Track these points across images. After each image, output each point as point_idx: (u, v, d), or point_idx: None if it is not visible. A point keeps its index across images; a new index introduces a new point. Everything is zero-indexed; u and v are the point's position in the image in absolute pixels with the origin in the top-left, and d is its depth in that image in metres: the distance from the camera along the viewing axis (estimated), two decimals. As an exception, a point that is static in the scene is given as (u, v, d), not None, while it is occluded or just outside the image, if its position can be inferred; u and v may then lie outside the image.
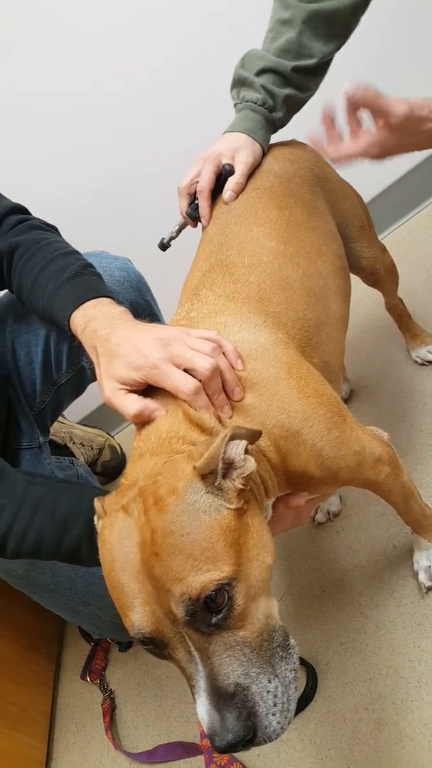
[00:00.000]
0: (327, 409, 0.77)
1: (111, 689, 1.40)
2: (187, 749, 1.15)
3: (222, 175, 1.03)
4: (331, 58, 1.05)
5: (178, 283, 0.99)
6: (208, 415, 0.70)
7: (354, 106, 0.83)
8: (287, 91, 1.04)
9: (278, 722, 0.57)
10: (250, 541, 0.61)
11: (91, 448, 1.83)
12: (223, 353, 0.75)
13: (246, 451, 0.64)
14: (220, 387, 0.73)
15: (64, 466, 1.57)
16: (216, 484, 0.62)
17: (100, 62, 1.59)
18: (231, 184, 1.01)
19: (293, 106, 1.07)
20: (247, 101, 1.05)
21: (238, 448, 0.64)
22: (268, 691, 0.58)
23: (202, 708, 0.57)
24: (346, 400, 1.47)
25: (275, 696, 0.58)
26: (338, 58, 1.08)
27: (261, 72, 1.03)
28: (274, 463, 0.74)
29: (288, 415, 0.74)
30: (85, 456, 1.79)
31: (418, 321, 1.43)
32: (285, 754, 1.04)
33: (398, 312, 1.40)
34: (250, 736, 0.56)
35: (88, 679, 1.42)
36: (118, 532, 0.62)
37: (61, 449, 1.73)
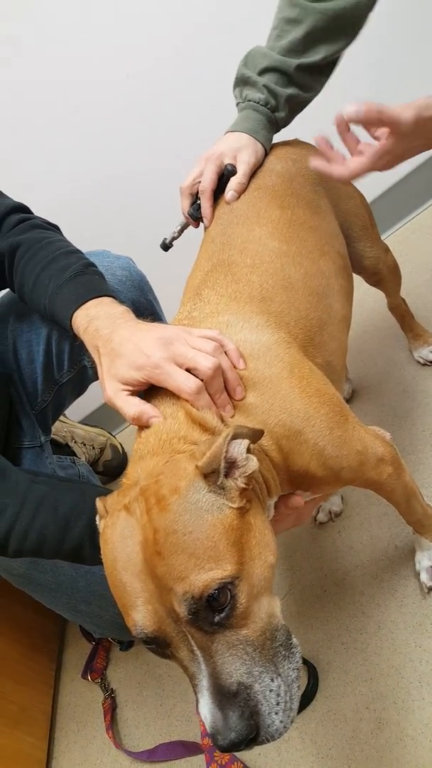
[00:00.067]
0: (329, 408, 0.77)
1: (112, 688, 1.40)
2: (188, 748, 1.15)
3: (224, 176, 1.03)
4: (338, 58, 1.04)
5: (180, 283, 0.99)
6: (210, 414, 0.70)
7: (346, 126, 0.84)
8: (290, 90, 1.03)
9: (281, 721, 0.57)
10: (253, 540, 0.61)
11: (93, 448, 1.84)
12: (225, 352, 0.75)
13: (248, 450, 0.64)
14: (222, 386, 0.73)
15: (66, 466, 1.57)
16: (218, 483, 0.62)
17: (101, 62, 1.59)
18: (233, 184, 1.01)
19: (296, 106, 1.07)
20: (249, 101, 1.05)
21: (240, 447, 0.64)
22: (270, 690, 0.58)
23: (205, 707, 0.57)
24: (348, 400, 1.47)
25: (278, 695, 0.58)
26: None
27: (264, 71, 1.03)
28: (276, 463, 0.74)
29: (290, 415, 0.74)
30: (87, 455, 1.80)
31: (420, 321, 1.43)
32: (286, 754, 1.04)
33: (401, 312, 1.40)
34: (253, 734, 0.56)
35: (89, 678, 1.43)
36: (120, 531, 0.62)
37: (62, 448, 1.73)
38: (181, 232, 1.13)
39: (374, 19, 1.05)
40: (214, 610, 0.57)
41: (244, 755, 1.07)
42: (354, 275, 1.14)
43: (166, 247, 1.14)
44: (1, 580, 1.19)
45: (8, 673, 1.37)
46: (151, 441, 0.71)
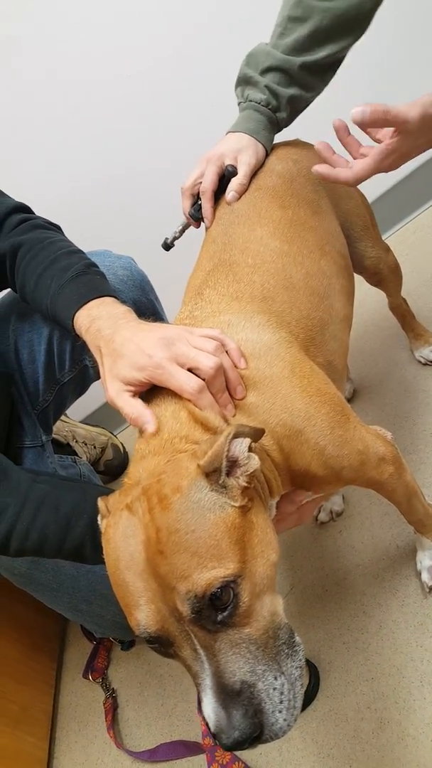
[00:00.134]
0: (330, 408, 0.77)
1: (113, 688, 1.40)
2: (189, 748, 1.15)
3: (225, 176, 1.03)
4: (342, 57, 1.04)
5: (181, 282, 0.99)
6: (213, 414, 0.70)
7: (347, 131, 0.84)
8: (292, 91, 1.03)
9: (285, 719, 0.57)
10: (255, 539, 0.62)
11: (94, 447, 1.84)
12: (226, 352, 0.75)
13: (250, 449, 0.64)
14: (223, 386, 0.73)
15: (67, 465, 1.58)
16: (220, 481, 0.62)
17: (101, 62, 1.59)
18: (234, 185, 1.01)
19: (298, 106, 1.06)
20: (250, 101, 1.04)
21: (241, 445, 0.64)
22: (274, 688, 0.58)
23: (209, 706, 0.57)
24: (349, 400, 1.47)
25: (281, 693, 0.58)
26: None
27: (267, 70, 1.02)
28: (278, 463, 0.74)
29: (291, 414, 0.74)
30: (88, 455, 1.80)
31: (421, 321, 1.43)
32: (287, 753, 1.04)
33: (402, 312, 1.40)
34: (257, 733, 0.56)
35: (90, 677, 1.43)
36: (122, 530, 0.62)
37: (63, 448, 1.73)
38: (182, 232, 1.13)
39: (374, 19, 1.05)
40: (217, 608, 0.57)
41: (245, 755, 1.07)
42: (355, 275, 1.14)
43: (167, 247, 1.15)
44: (3, 580, 1.19)
45: (9, 672, 1.37)
46: (152, 440, 0.71)
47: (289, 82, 1.03)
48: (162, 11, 1.55)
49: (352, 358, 1.49)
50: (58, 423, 1.71)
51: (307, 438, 0.75)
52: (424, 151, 0.86)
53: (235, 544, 0.59)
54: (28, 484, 0.90)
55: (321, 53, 1.00)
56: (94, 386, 1.28)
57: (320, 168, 0.88)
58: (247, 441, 0.64)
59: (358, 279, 1.16)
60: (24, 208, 1.06)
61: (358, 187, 1.16)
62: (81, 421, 1.93)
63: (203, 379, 0.71)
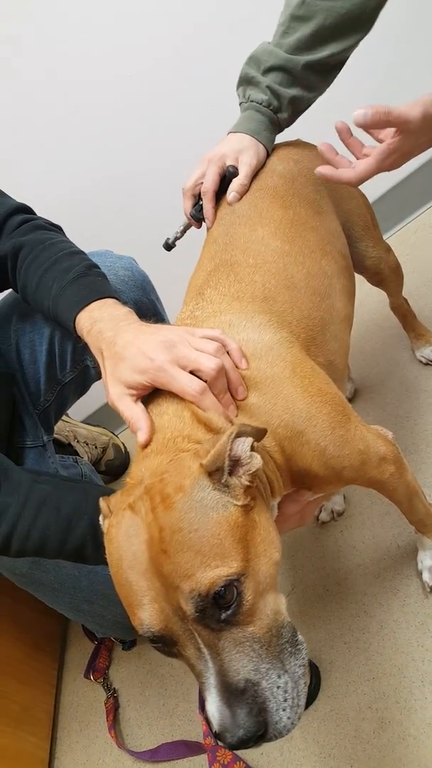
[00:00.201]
0: (331, 408, 0.77)
1: (114, 688, 1.40)
2: (190, 748, 1.15)
3: (226, 177, 1.03)
4: (346, 58, 1.03)
5: (182, 283, 0.99)
6: (216, 415, 0.70)
7: (349, 132, 0.84)
8: (294, 91, 1.03)
9: (288, 717, 0.58)
10: (258, 537, 0.62)
11: (95, 447, 1.84)
12: (228, 352, 0.75)
13: (252, 448, 0.64)
14: (225, 387, 0.73)
15: (68, 465, 1.58)
16: (223, 481, 0.62)
17: (101, 62, 1.59)
18: (235, 185, 1.01)
19: (299, 106, 1.06)
20: (252, 101, 1.04)
21: (244, 445, 0.64)
22: (278, 687, 0.58)
23: (213, 705, 0.57)
24: (350, 400, 1.47)
25: (285, 691, 0.58)
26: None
27: (269, 70, 1.02)
28: (279, 464, 0.75)
29: (292, 415, 0.74)
30: (89, 455, 1.80)
31: (423, 321, 1.43)
32: (288, 753, 1.04)
33: (403, 312, 1.40)
34: (261, 731, 0.56)
35: (92, 677, 1.43)
36: (125, 530, 0.62)
37: (65, 448, 1.73)
38: (183, 232, 1.13)
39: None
40: (220, 607, 0.57)
41: (246, 755, 1.07)
42: (356, 275, 1.14)
43: (168, 247, 1.15)
44: (4, 580, 1.19)
45: (11, 672, 1.37)
46: (156, 439, 0.71)
47: (291, 82, 1.02)
48: (162, 11, 1.55)
49: (353, 357, 1.49)
50: (60, 423, 1.70)
51: (308, 439, 0.75)
52: (426, 149, 0.86)
53: (238, 543, 0.59)
54: (29, 484, 0.90)
55: (324, 52, 1.00)
56: (95, 386, 1.28)
57: (323, 169, 0.89)
58: (249, 440, 0.64)
59: (359, 279, 1.17)
60: (25, 209, 1.06)
61: (359, 186, 1.17)
62: (82, 421, 1.93)
63: (205, 381, 0.71)
